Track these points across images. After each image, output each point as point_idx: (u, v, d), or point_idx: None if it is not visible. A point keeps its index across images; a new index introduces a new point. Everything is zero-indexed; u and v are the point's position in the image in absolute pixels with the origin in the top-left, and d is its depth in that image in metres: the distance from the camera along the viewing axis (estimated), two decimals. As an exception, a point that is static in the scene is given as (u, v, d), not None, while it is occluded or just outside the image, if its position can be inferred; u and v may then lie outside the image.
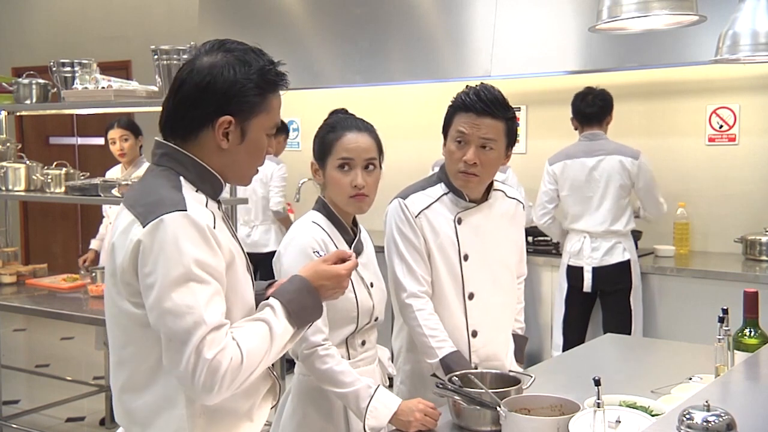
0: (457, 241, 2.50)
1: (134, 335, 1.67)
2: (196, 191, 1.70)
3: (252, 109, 1.71)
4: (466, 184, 2.48)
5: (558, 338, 4.56)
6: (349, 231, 2.33)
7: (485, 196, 2.55)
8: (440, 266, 2.49)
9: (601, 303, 4.55)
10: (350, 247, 2.30)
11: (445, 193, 2.53)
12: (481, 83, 2.47)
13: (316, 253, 2.20)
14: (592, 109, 4.48)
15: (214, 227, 1.65)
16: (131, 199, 1.70)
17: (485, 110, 2.40)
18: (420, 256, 2.47)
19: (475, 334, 2.51)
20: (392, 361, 2.56)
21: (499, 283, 2.56)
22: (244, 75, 1.69)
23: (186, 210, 1.62)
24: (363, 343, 2.32)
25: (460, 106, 2.44)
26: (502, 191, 2.62)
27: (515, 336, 2.67)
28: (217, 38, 1.77)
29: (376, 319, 2.34)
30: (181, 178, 1.70)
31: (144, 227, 1.60)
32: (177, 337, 1.57)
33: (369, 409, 2.13)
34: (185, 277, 1.58)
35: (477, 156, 2.41)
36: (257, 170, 1.82)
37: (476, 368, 2.42)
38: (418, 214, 2.49)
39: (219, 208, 1.76)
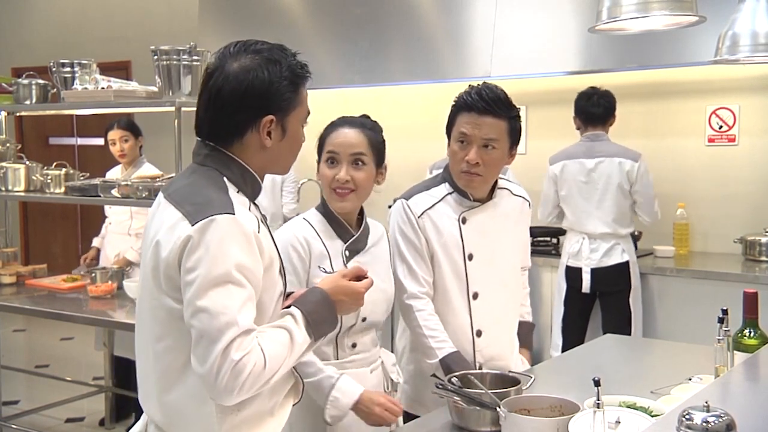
0: (462, 240, 2.49)
1: (171, 330, 1.70)
2: (237, 192, 1.75)
3: (289, 104, 1.77)
4: (470, 183, 2.48)
5: (557, 338, 4.56)
6: (348, 229, 2.33)
7: (490, 195, 2.55)
8: (444, 266, 2.48)
9: (600, 304, 4.54)
10: (344, 245, 2.30)
11: (450, 193, 2.52)
12: (484, 82, 2.47)
13: (294, 249, 2.21)
14: (597, 110, 4.45)
15: (258, 232, 1.70)
16: (178, 196, 1.72)
17: (487, 109, 2.39)
18: (421, 257, 2.47)
19: (479, 333, 2.51)
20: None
21: (503, 283, 2.56)
22: (276, 74, 1.74)
23: (234, 214, 1.66)
24: (353, 345, 2.31)
25: (462, 105, 2.44)
26: (508, 189, 2.62)
27: (522, 322, 2.66)
28: (239, 40, 1.80)
29: (364, 320, 2.30)
30: (225, 179, 1.75)
31: (193, 225, 1.64)
32: (208, 335, 1.61)
33: (329, 399, 2.14)
34: (225, 278, 1.62)
35: (479, 156, 2.41)
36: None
37: (480, 368, 2.43)
38: (421, 214, 2.48)
39: (258, 211, 1.80)
